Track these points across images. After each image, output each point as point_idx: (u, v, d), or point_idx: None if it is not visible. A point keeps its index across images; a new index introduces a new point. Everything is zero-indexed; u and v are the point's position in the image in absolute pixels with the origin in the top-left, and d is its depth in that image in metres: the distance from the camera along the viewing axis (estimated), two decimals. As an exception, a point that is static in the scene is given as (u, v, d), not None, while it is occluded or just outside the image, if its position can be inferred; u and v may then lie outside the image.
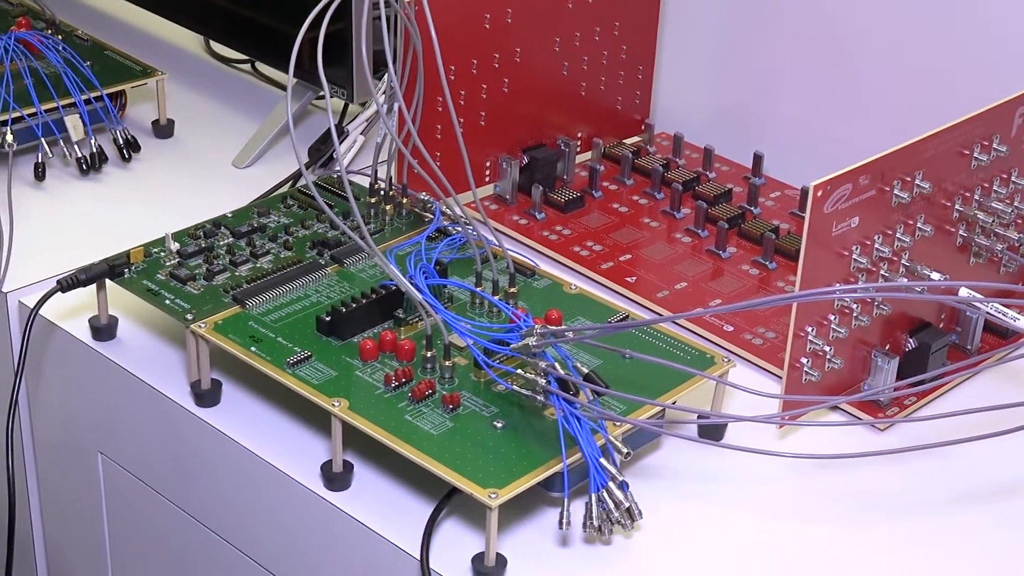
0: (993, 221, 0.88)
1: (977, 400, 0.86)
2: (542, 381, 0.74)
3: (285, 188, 1.05)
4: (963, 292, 0.82)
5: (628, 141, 1.13)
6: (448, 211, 0.90)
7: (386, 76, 0.95)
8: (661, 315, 0.93)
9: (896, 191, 0.81)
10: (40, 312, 0.90)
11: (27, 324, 0.88)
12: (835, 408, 0.85)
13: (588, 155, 1.11)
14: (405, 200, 0.95)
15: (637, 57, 1.11)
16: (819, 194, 0.77)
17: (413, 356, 0.81)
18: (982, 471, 0.82)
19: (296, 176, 1.07)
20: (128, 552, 0.97)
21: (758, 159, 1.08)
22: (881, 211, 0.81)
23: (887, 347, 0.85)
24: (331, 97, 1.11)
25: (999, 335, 0.92)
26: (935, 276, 0.83)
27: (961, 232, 0.88)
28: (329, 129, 1.13)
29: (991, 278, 0.91)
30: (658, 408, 0.79)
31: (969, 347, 0.90)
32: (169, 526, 0.91)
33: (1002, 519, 0.79)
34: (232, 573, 0.88)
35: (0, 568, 0.96)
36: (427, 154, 0.83)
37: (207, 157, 1.14)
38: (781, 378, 0.83)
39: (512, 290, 0.87)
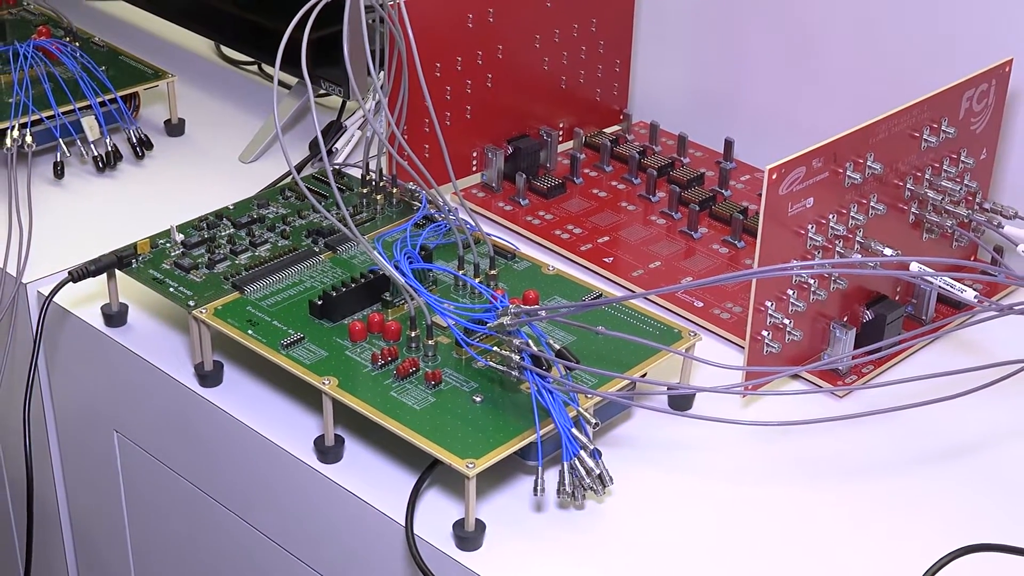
0: (943, 199, 0.86)
1: (931, 367, 0.85)
2: (516, 357, 0.73)
3: (286, 181, 1.04)
4: (914, 267, 0.80)
5: (607, 130, 1.12)
6: (433, 200, 0.89)
7: (383, 71, 0.94)
8: (633, 292, 0.92)
9: (849, 172, 0.80)
10: (56, 301, 0.90)
11: (41, 312, 0.88)
12: (797, 377, 0.84)
13: (570, 144, 1.09)
14: (395, 190, 0.94)
15: (614, 51, 1.10)
16: (774, 177, 0.75)
17: (399, 336, 0.80)
18: (936, 434, 0.81)
19: (297, 169, 1.06)
20: (143, 519, 0.96)
21: (729, 144, 1.07)
22: (835, 191, 0.80)
23: (845, 319, 0.84)
24: (329, 95, 1.10)
25: (952, 305, 0.90)
26: (888, 252, 0.82)
27: (913, 210, 0.86)
28: (330, 123, 1.12)
29: (944, 253, 0.90)
30: (629, 381, 0.78)
31: (924, 317, 0.88)
32: (179, 496, 0.90)
33: (955, 478, 0.78)
34: (235, 540, 0.87)
35: (22, 535, 0.95)
36: (409, 149, 0.82)
37: (215, 153, 1.13)
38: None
39: (492, 272, 0.86)
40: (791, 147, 0.85)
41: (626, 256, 0.96)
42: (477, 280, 0.84)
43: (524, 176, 1.03)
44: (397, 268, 0.81)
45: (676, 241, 0.98)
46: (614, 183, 1.05)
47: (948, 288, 0.77)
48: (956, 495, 0.77)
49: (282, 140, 0.78)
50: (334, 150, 1.09)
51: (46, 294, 0.88)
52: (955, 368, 0.76)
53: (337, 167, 1.01)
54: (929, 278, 0.78)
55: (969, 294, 0.77)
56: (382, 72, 0.92)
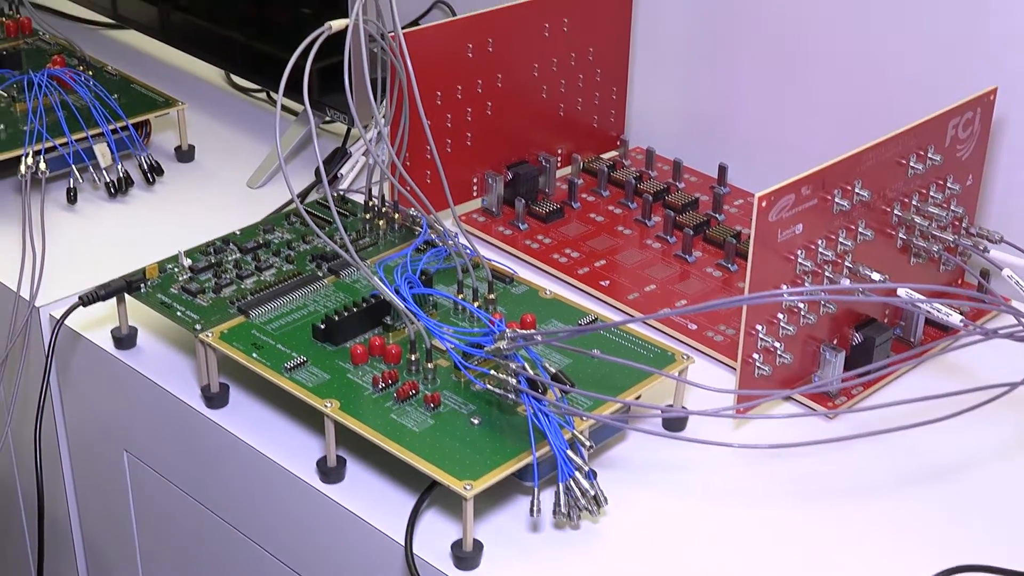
0: (930, 224, 0.86)
1: (919, 388, 0.85)
2: (513, 381, 0.73)
3: (291, 207, 1.03)
4: (902, 292, 0.80)
5: (604, 156, 1.11)
6: (433, 226, 0.89)
7: (385, 100, 0.93)
8: (631, 316, 0.91)
9: (837, 199, 0.79)
10: (68, 324, 0.89)
11: (53, 334, 0.87)
12: (789, 398, 0.83)
13: (568, 170, 1.09)
14: (396, 215, 0.94)
15: (611, 79, 1.10)
16: (763, 204, 0.75)
17: (400, 359, 0.79)
18: (923, 455, 0.80)
19: (302, 195, 1.06)
20: (153, 535, 0.96)
21: (723, 170, 1.06)
22: (824, 218, 0.79)
23: (835, 342, 0.83)
24: (334, 121, 1.10)
25: (941, 328, 0.89)
26: (876, 276, 0.81)
27: (901, 235, 0.86)
28: (335, 149, 1.12)
29: (931, 276, 0.89)
30: (622, 404, 0.77)
31: (912, 340, 0.88)
32: (187, 514, 0.90)
33: (942, 499, 0.77)
34: (240, 557, 0.86)
35: (33, 550, 0.95)
36: (408, 177, 0.81)
37: (225, 179, 1.12)
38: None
39: (491, 296, 0.85)
40: (783, 171, 0.84)
41: (622, 279, 0.95)
42: (476, 304, 0.84)
43: (523, 201, 1.02)
44: (398, 293, 0.80)
45: (671, 264, 0.97)
46: (611, 208, 1.05)
47: (935, 312, 0.76)
48: (943, 516, 0.76)
49: (284, 169, 0.78)
50: (339, 176, 1.09)
51: (58, 317, 0.88)
52: (942, 390, 0.75)
53: (341, 193, 1.01)
54: (918, 304, 0.77)
55: (955, 318, 0.77)
56: (383, 103, 0.92)
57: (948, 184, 0.87)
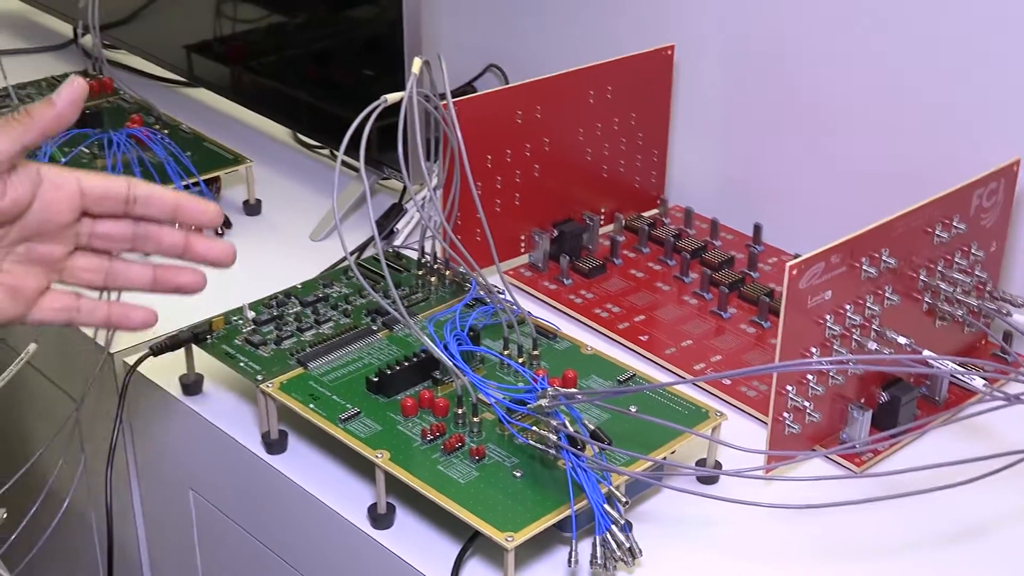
0: (955, 289, 0.84)
1: (943, 448, 0.83)
2: (553, 437, 0.72)
3: (346, 263, 1.03)
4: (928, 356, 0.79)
5: (645, 214, 1.11)
6: (482, 284, 0.88)
7: (439, 161, 0.93)
8: (668, 370, 0.90)
9: (865, 266, 0.78)
10: (139, 370, 0.90)
11: (125, 381, 0.88)
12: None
13: (610, 227, 1.08)
14: (448, 272, 0.93)
15: (652, 142, 1.09)
16: (794, 272, 0.74)
17: (447, 412, 0.79)
18: (947, 515, 0.78)
19: (359, 249, 1.06)
20: (215, 570, 0.96)
21: (758, 229, 1.05)
22: (852, 284, 0.78)
23: (862, 400, 0.82)
24: (390, 178, 1.10)
25: (966, 388, 0.88)
26: (902, 340, 0.80)
27: (927, 299, 0.84)
28: (392, 205, 1.12)
29: (956, 339, 0.88)
30: (656, 461, 0.76)
31: (937, 399, 0.86)
32: (247, 551, 0.89)
33: (965, 560, 0.76)
34: (296, 597, 0.86)
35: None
36: (455, 237, 0.81)
37: (289, 231, 1.13)
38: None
39: (535, 352, 0.85)
40: (815, 231, 0.84)
41: (660, 335, 0.94)
42: (520, 360, 0.83)
43: (568, 257, 1.02)
44: (446, 349, 0.80)
45: (707, 321, 0.96)
46: (651, 264, 1.04)
47: (959, 377, 0.75)
48: (968, 574, 0.74)
49: (340, 230, 0.78)
50: (395, 231, 1.08)
51: (130, 364, 0.89)
52: (966, 449, 0.74)
53: (396, 248, 1.01)
54: (941, 369, 0.76)
55: (978, 382, 0.75)
56: (435, 165, 0.91)
57: (972, 251, 0.85)
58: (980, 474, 0.72)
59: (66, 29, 1.54)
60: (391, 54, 1.04)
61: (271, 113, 1.25)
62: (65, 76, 1.28)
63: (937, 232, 0.82)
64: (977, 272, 0.86)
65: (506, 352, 0.84)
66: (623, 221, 1.08)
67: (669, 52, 1.06)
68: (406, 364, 0.82)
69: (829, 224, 0.86)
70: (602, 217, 1.08)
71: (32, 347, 0.94)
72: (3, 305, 0.67)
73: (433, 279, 0.93)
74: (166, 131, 1.15)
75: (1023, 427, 0.82)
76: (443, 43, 1.35)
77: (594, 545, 0.71)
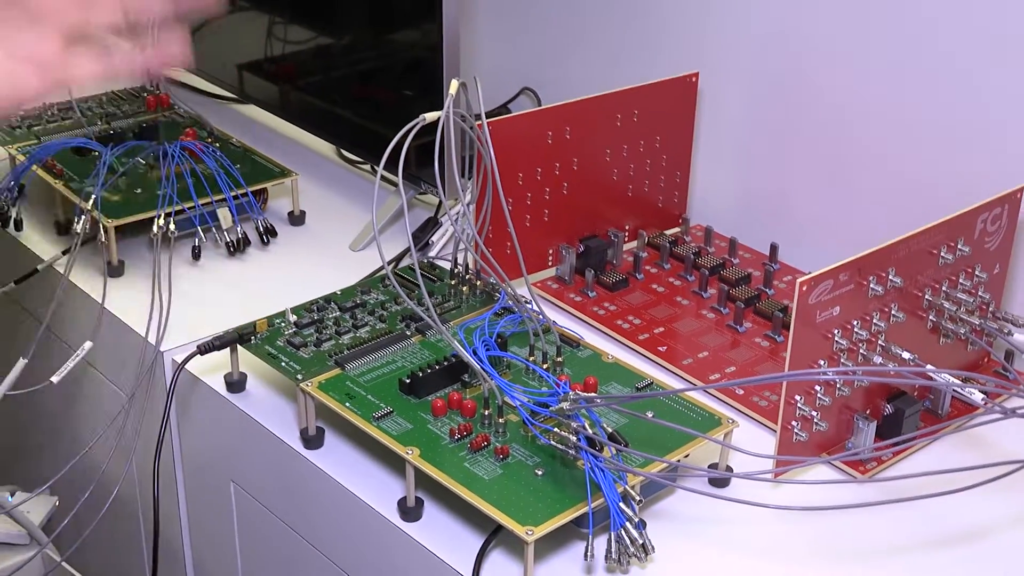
0: (959, 308, 0.85)
1: (944, 458, 0.84)
2: (573, 438, 0.74)
3: (383, 272, 1.06)
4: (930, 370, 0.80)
5: (667, 232, 1.12)
6: (510, 294, 0.90)
7: (473, 178, 0.95)
8: (685, 379, 0.92)
9: (872, 285, 0.79)
10: (187, 368, 0.92)
11: (174, 378, 0.90)
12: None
13: (634, 244, 1.10)
14: (479, 283, 0.95)
15: (675, 164, 1.11)
16: (804, 288, 0.75)
17: (474, 413, 0.81)
18: (945, 520, 0.80)
19: (396, 260, 1.08)
20: (253, 557, 0.98)
21: (774, 248, 1.07)
22: (859, 301, 0.80)
23: (867, 411, 0.83)
24: (427, 193, 1.12)
25: (967, 403, 0.89)
26: (907, 355, 0.81)
27: (931, 318, 0.85)
28: (428, 219, 1.14)
29: (958, 356, 0.89)
30: (669, 464, 0.78)
31: (940, 412, 0.87)
32: (283, 540, 0.91)
33: (962, 562, 0.77)
34: (328, 584, 0.88)
35: (149, 566, 0.97)
36: (487, 250, 0.83)
37: (331, 241, 1.15)
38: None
39: (559, 359, 0.86)
40: (829, 250, 0.85)
41: (678, 346, 0.96)
42: (545, 367, 0.85)
43: (593, 271, 1.04)
44: (475, 354, 0.82)
45: (723, 334, 0.98)
46: (671, 279, 1.06)
47: (959, 392, 0.76)
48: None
49: (378, 241, 0.80)
50: (430, 243, 1.10)
51: (179, 362, 0.91)
52: (965, 460, 0.75)
53: (430, 259, 1.03)
54: (942, 383, 0.77)
55: (978, 396, 0.77)
56: (469, 182, 0.93)
57: (976, 272, 0.86)
58: (976, 482, 0.73)
59: (126, 47, 1.57)
60: (430, 76, 1.07)
61: (316, 129, 1.27)
62: (124, 92, 1.31)
63: (942, 254, 0.83)
64: (980, 293, 0.87)
65: (531, 358, 0.86)
66: (646, 238, 1.10)
67: (693, 79, 1.08)
68: (437, 367, 0.84)
69: (843, 244, 0.87)
70: (626, 234, 1.09)
71: (88, 345, 0.97)
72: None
73: (465, 289, 0.95)
74: (218, 144, 1.18)
75: (1019, 439, 0.83)
76: (481, 66, 1.37)
77: (609, 541, 0.72)
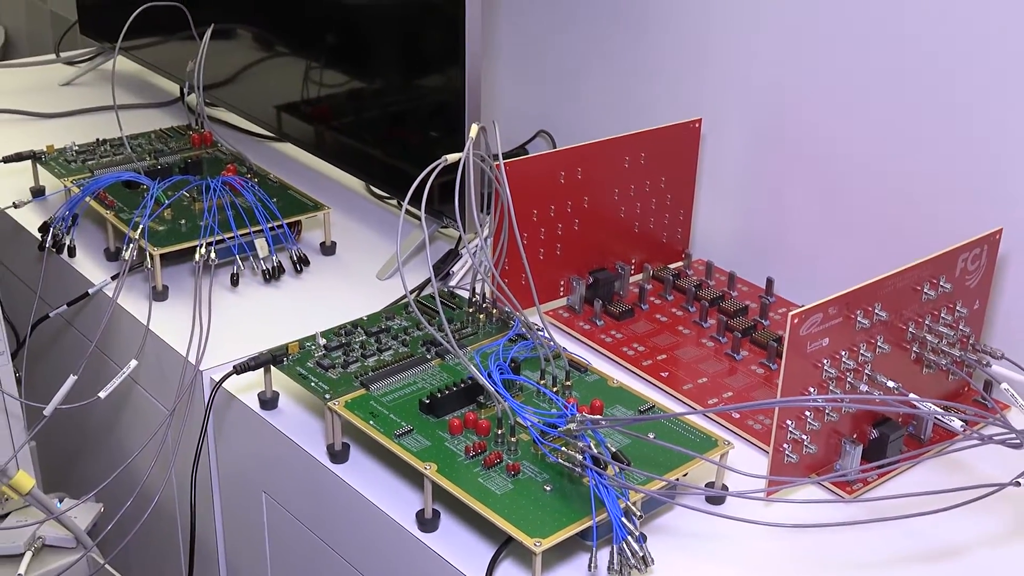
0: (940, 341, 0.86)
1: (926, 480, 0.84)
2: (580, 457, 0.75)
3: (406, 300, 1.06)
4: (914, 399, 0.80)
5: (671, 266, 1.13)
6: (524, 322, 0.91)
7: (490, 213, 0.96)
8: (684, 403, 0.92)
9: (859, 318, 0.80)
10: (224, 387, 0.93)
11: (211, 395, 0.91)
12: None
13: (639, 276, 1.11)
14: (494, 311, 0.96)
15: (679, 203, 1.12)
16: (795, 321, 0.76)
17: (489, 432, 0.81)
18: (926, 538, 0.80)
19: (419, 288, 1.09)
20: (283, 564, 0.98)
21: (770, 282, 1.07)
22: (847, 333, 0.80)
23: (854, 436, 0.84)
24: (448, 227, 1.13)
25: (948, 429, 0.89)
26: (891, 384, 0.82)
27: (915, 349, 0.86)
28: (449, 250, 1.15)
29: (941, 385, 0.89)
30: (669, 482, 0.78)
31: (922, 437, 0.88)
32: (310, 548, 0.92)
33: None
34: (351, 589, 0.89)
35: (185, 571, 0.98)
36: (501, 280, 0.84)
37: (359, 271, 1.15)
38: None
39: (567, 383, 0.87)
40: (822, 285, 0.85)
41: (679, 372, 0.97)
42: (554, 390, 0.86)
43: (601, 302, 1.04)
44: (490, 377, 0.83)
45: (721, 361, 0.98)
46: (674, 310, 1.06)
47: (940, 419, 0.77)
48: (941, 591, 0.76)
49: (402, 271, 0.81)
50: (450, 273, 1.11)
51: (216, 380, 0.92)
52: (946, 483, 0.75)
53: (450, 289, 1.04)
54: (925, 412, 0.78)
55: (957, 424, 0.77)
56: (487, 217, 0.94)
57: (957, 307, 0.87)
58: (956, 503, 0.73)
59: (174, 88, 1.60)
60: (454, 119, 1.08)
61: (347, 167, 1.28)
62: (171, 130, 1.33)
63: (925, 290, 0.84)
64: (961, 327, 0.88)
65: (542, 382, 0.87)
66: (651, 271, 1.10)
67: (696, 125, 1.09)
68: (455, 389, 0.84)
69: (835, 279, 0.87)
70: (632, 267, 1.10)
71: (133, 363, 0.98)
72: None
73: (481, 316, 0.96)
74: (256, 179, 1.19)
75: (996, 464, 0.83)
76: (501, 110, 1.38)
77: (612, 553, 0.73)
